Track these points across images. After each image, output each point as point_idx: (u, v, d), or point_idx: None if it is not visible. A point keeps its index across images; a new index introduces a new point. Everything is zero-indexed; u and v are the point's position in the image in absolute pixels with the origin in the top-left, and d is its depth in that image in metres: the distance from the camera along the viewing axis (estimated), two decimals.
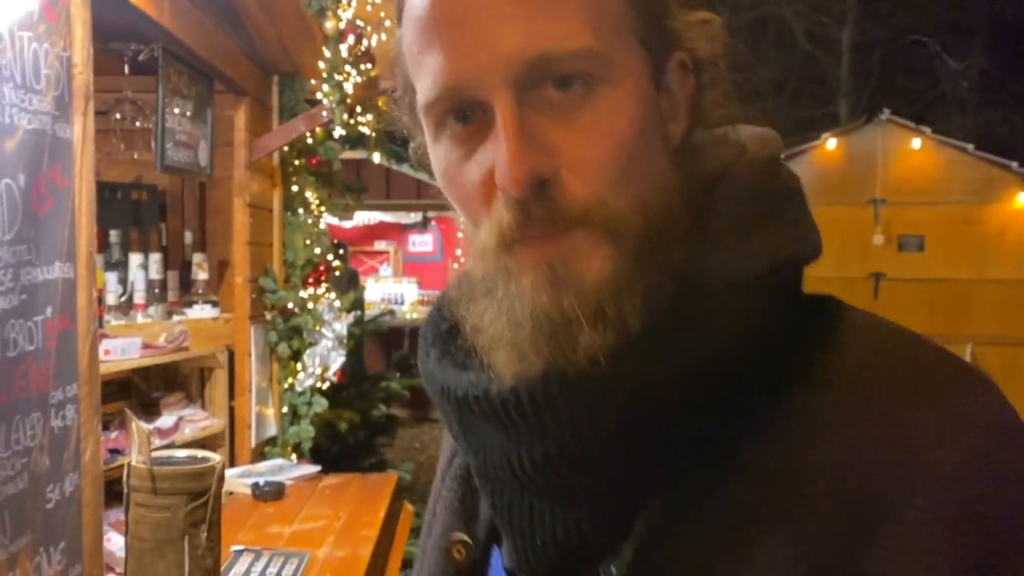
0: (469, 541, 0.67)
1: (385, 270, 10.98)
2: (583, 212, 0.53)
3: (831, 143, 7.26)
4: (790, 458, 0.52)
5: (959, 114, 12.50)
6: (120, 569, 2.12)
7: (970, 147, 7.09)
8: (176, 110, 2.88)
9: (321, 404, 3.61)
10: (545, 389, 0.54)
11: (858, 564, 0.49)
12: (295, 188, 3.69)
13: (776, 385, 0.54)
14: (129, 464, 2.01)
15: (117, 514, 2.40)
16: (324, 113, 3.31)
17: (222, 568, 2.16)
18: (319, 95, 3.25)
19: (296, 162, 3.67)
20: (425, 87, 0.56)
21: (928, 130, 7.13)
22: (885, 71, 13.06)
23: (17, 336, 1.56)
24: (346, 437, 4.03)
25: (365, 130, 3.39)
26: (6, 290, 1.52)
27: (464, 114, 0.56)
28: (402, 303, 10.14)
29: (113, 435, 2.60)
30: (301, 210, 3.70)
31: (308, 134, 3.58)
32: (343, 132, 3.38)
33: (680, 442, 0.54)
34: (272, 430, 3.58)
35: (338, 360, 3.62)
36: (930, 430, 0.50)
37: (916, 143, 7.07)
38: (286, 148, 3.58)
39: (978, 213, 6.99)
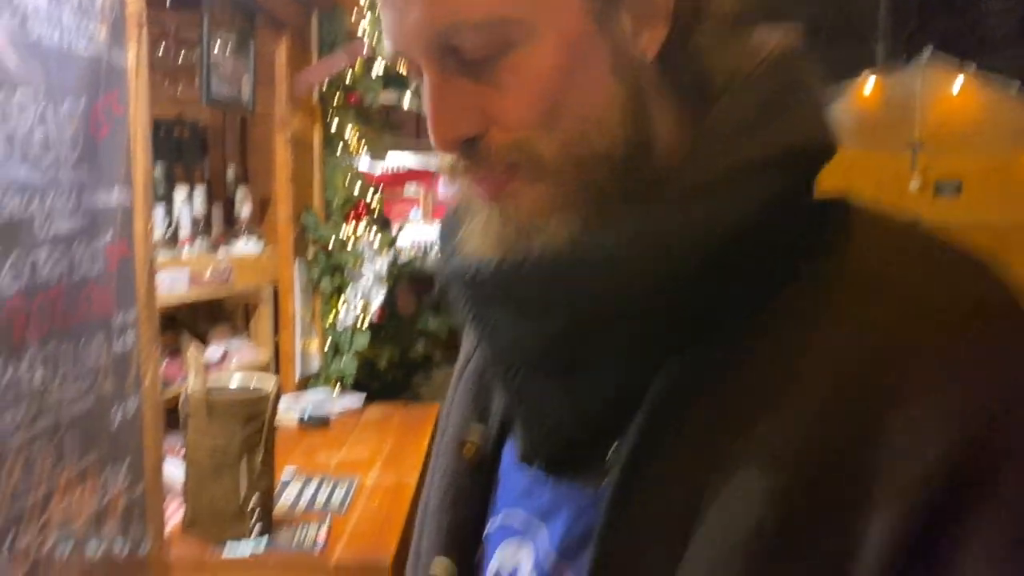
0: (479, 439, 0.69)
1: (415, 214, 10.98)
2: (509, 156, 0.55)
3: (870, 83, 7.10)
4: (793, 345, 0.53)
5: (1001, 57, 12.17)
6: (177, 490, 2.19)
7: (1016, 85, 6.87)
8: (218, 44, 2.88)
9: (362, 341, 3.66)
10: (538, 265, 0.56)
11: (855, 450, 0.49)
12: (334, 127, 3.68)
13: (782, 279, 0.55)
14: (186, 392, 2.07)
15: (171, 440, 2.47)
16: (364, 50, 3.29)
17: (275, 491, 2.22)
18: (360, 31, 3.23)
19: (335, 99, 3.66)
20: None
21: (973, 65, 6.91)
22: (924, 12, 12.70)
23: (82, 258, 1.59)
24: (385, 375, 4.09)
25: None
26: (71, 211, 1.55)
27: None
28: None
29: (163, 364, 2.65)
30: (340, 148, 3.70)
31: (348, 71, 3.56)
32: (382, 71, 3.35)
33: (678, 327, 0.56)
34: (315, 364, 3.64)
35: (379, 297, 3.65)
36: (929, 313, 0.51)
37: (957, 85, 6.89)
38: (325, 86, 3.57)
39: (1019, 158, 6.85)
